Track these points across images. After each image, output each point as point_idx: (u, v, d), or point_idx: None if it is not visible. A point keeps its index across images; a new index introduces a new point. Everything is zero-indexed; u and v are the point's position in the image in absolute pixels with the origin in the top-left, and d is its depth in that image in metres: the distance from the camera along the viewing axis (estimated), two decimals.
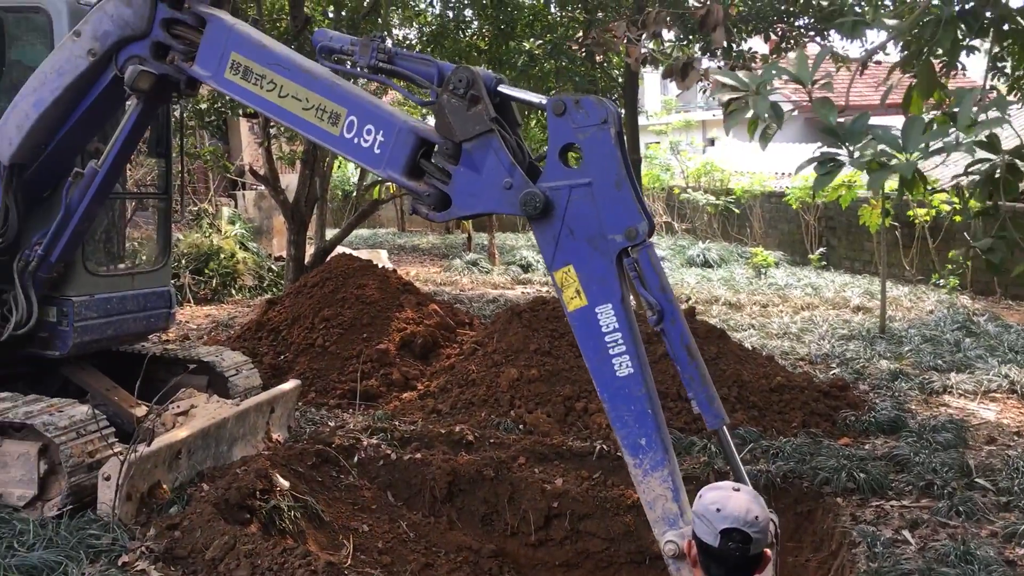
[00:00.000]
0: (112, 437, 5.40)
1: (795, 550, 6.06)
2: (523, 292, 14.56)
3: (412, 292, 9.55)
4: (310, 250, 12.94)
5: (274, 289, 14.11)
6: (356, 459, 6.40)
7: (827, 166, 3.72)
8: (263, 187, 14.07)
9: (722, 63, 10.68)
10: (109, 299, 6.36)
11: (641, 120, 16.71)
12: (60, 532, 4.62)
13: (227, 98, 12.08)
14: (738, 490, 2.78)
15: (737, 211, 20.46)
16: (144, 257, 7.39)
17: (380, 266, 10.13)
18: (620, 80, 13.06)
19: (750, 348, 9.10)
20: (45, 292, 5.98)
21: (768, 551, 2.76)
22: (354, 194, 17.70)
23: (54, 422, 5.10)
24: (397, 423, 7.33)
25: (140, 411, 6.18)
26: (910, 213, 14.36)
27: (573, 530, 6.25)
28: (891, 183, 4.65)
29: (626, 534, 6.25)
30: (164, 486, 5.26)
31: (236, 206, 17.05)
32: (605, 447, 6.77)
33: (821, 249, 17.48)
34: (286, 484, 5.38)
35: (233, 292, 13.72)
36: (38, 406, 5.27)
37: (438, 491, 6.30)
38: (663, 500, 3.71)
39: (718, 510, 2.70)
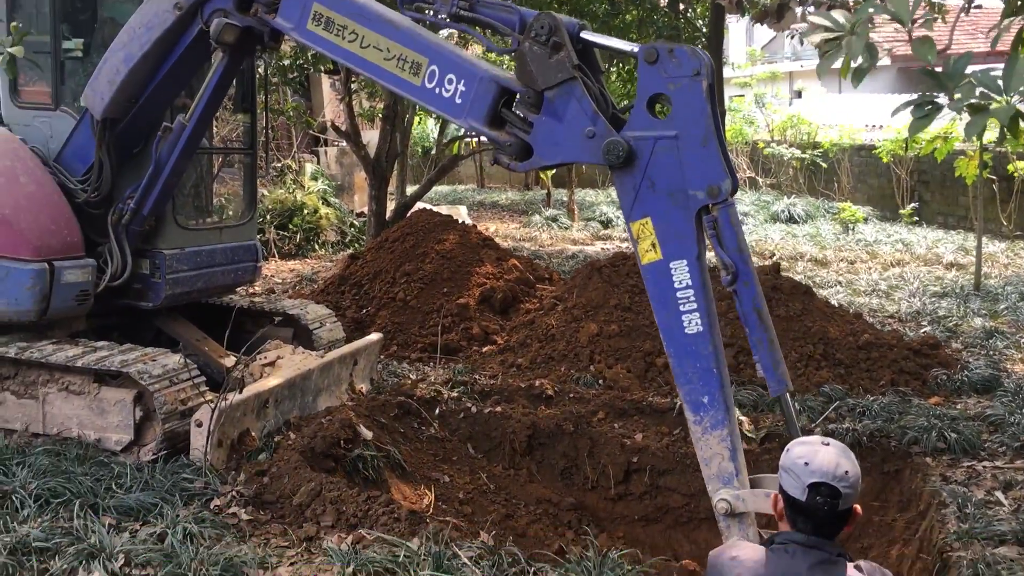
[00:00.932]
0: (203, 385, 5.56)
1: (881, 510, 5.93)
2: (603, 248, 14.45)
3: (492, 247, 9.55)
4: (391, 206, 13.04)
5: (356, 244, 14.29)
6: (437, 411, 6.47)
7: (924, 109, 3.56)
8: (345, 143, 14.21)
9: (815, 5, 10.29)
10: (199, 252, 6.52)
11: (725, 72, 16.30)
12: (155, 476, 4.79)
13: (309, 54, 12.23)
14: (827, 444, 2.71)
15: (824, 165, 19.88)
16: (231, 212, 7.53)
17: (460, 221, 10.14)
18: (704, 30, 12.74)
19: (836, 305, 8.87)
20: (138, 245, 6.15)
21: (858, 507, 2.69)
22: (433, 150, 17.77)
23: (148, 370, 5.27)
24: (477, 377, 7.39)
25: (229, 361, 6.35)
26: (1010, 167, 13.76)
27: (652, 485, 6.23)
28: (991, 132, 4.43)
29: (706, 490, 6.20)
30: (253, 434, 5.40)
31: (318, 162, 17.26)
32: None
33: (913, 204, 16.90)
34: (370, 434, 5.47)
35: (316, 247, 13.94)
36: (133, 355, 5.45)
37: (518, 444, 6.34)
38: (720, 458, 3.73)
39: (806, 464, 2.63)
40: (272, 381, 5.67)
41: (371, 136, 14.79)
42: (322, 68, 13.95)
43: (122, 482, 4.73)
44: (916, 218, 16.59)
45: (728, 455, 3.74)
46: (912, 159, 17.06)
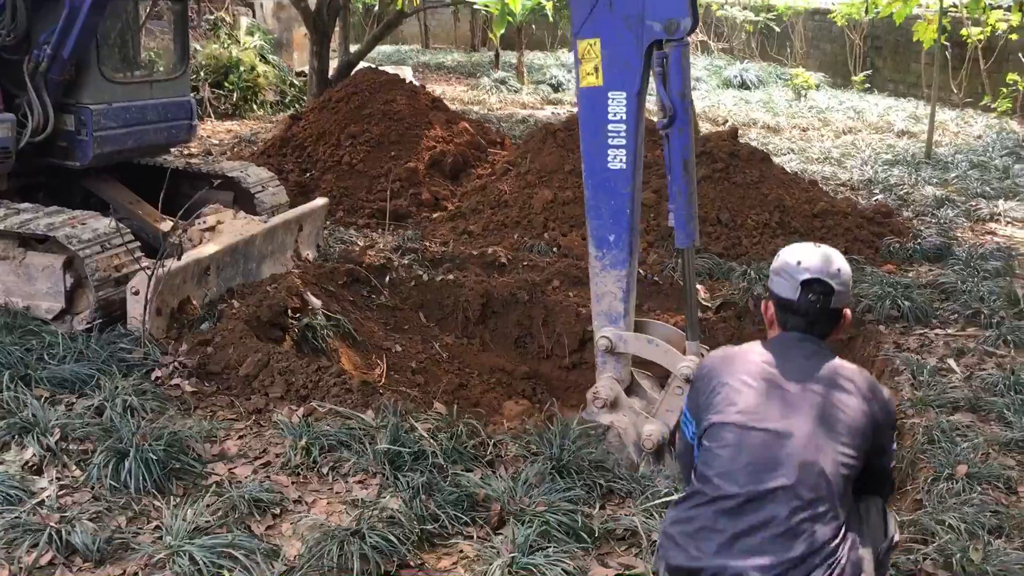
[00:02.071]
0: (138, 251, 5.24)
1: None
2: (553, 113, 14.07)
3: (441, 109, 9.16)
4: (333, 64, 12.42)
5: (296, 105, 13.67)
6: (388, 279, 6.26)
7: None
8: None
9: None
10: (128, 108, 6.09)
11: None
12: (90, 346, 4.53)
13: None
14: (819, 246, 2.70)
15: (777, 29, 19.47)
16: (161, 66, 7.01)
17: (407, 81, 9.67)
18: None
19: (792, 173, 8.73)
20: (61, 99, 5.70)
21: (848, 311, 2.67)
22: (376, 6, 16.86)
23: (77, 235, 4.93)
24: (427, 244, 7.16)
25: (165, 225, 6.01)
26: (964, 32, 13.55)
27: None
28: None
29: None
30: (194, 302, 5.14)
31: (254, 16, 16.32)
32: (641, 272, 6.58)
33: (866, 71, 16.68)
34: (318, 303, 5.25)
35: (254, 107, 13.31)
36: (60, 218, 5.09)
37: (471, 313, 6.18)
38: (612, 297, 3.79)
39: (798, 263, 2.60)
40: (213, 247, 5.38)
41: None
42: None
43: (55, 352, 4.46)
44: (868, 85, 16.41)
45: (620, 296, 3.79)
46: (867, 24, 16.74)
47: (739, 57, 20.15)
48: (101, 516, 3.19)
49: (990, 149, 11.08)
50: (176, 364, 4.38)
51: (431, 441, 3.71)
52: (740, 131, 12.26)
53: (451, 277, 6.41)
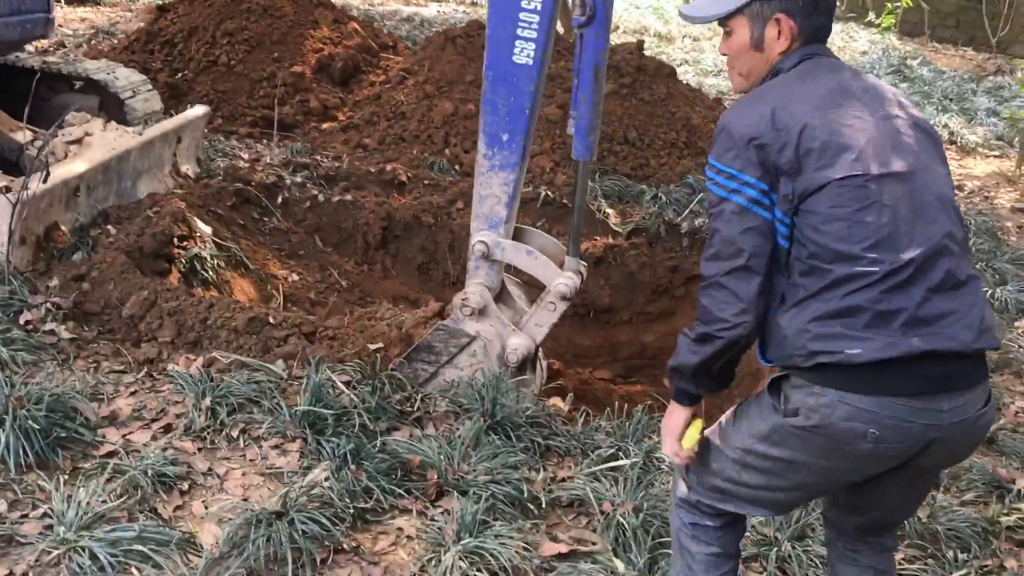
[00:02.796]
0: None
1: None
2: (439, 11, 13.35)
3: (328, 7, 8.43)
4: None
5: None
6: (280, 200, 5.74)
7: None
8: None
9: None
10: None
11: None
12: None
13: None
14: None
15: None
16: None
17: None
18: None
19: (695, 88, 8.53)
20: None
21: None
22: None
23: None
24: (319, 158, 6.62)
25: (23, 136, 5.28)
26: None
27: None
28: None
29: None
30: (63, 228, 4.54)
31: None
32: (550, 193, 6.29)
33: None
34: (208, 229, 4.73)
35: None
36: None
37: (372, 237, 5.76)
38: (495, 201, 3.59)
39: None
40: (82, 164, 4.73)
41: None
42: None
43: None
44: None
45: (505, 200, 3.60)
46: None
47: None
48: None
49: (876, 67, 11.18)
50: (48, 305, 3.84)
51: (352, 397, 3.37)
52: (631, 39, 12.02)
53: (348, 197, 5.95)
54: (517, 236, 3.84)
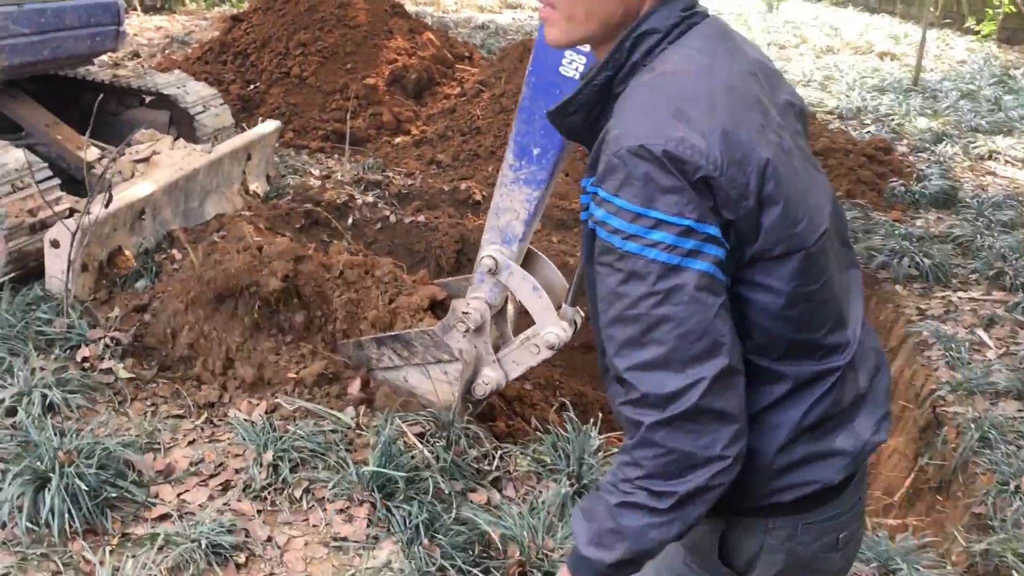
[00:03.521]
0: (57, 190, 4.39)
1: None
2: (514, 18, 13.08)
3: (403, 16, 8.19)
4: None
5: None
6: (351, 220, 5.48)
7: None
8: None
9: None
10: (43, 11, 5.10)
11: None
12: (1, 313, 3.72)
13: None
14: None
15: None
16: None
17: None
18: None
19: None
20: None
21: None
22: None
23: None
24: (391, 175, 6.36)
25: (90, 154, 5.11)
26: None
27: None
28: None
29: None
30: (127, 252, 4.34)
31: None
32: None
33: None
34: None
35: (186, 0, 12.04)
36: None
37: (445, 260, 5.47)
38: (513, 216, 3.33)
39: None
40: (149, 185, 4.53)
41: None
42: None
43: None
44: None
45: (524, 218, 3.31)
46: None
47: None
48: (12, 575, 2.49)
49: (977, 77, 10.55)
50: (107, 340, 3.61)
51: (426, 454, 3.06)
52: None
53: (421, 218, 5.67)
54: (527, 260, 3.56)
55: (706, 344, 1.27)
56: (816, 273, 1.39)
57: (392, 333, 3.54)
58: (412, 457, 3.02)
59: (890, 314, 5.25)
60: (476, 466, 3.15)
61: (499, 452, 3.22)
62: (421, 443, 3.11)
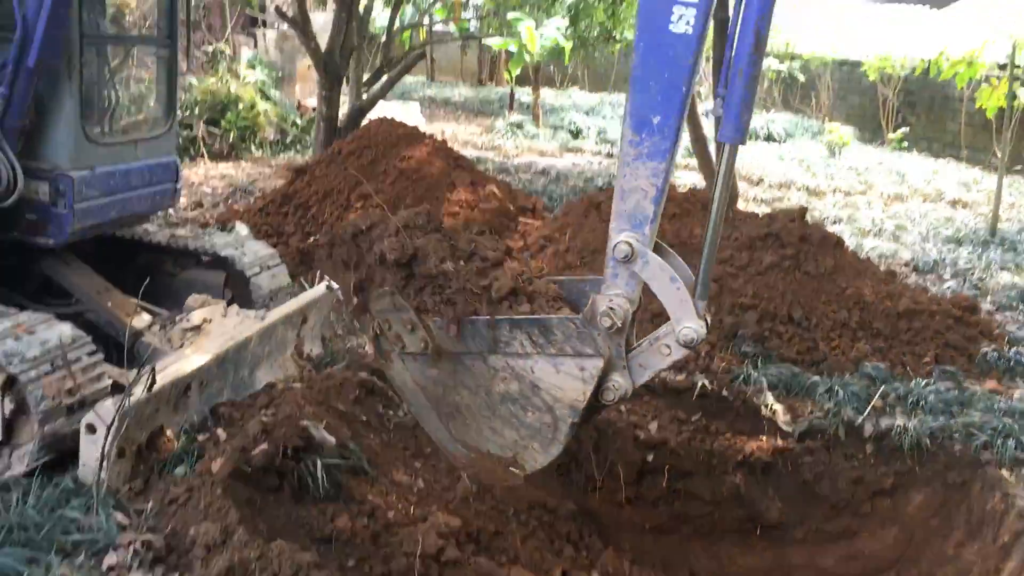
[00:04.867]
0: (100, 365, 4.16)
1: (942, 530, 4.93)
2: (574, 164, 13.06)
3: (465, 168, 8.12)
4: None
5: (298, 146, 12.64)
6: None
7: None
8: (287, 26, 12.35)
9: None
10: (112, 173, 5.07)
11: None
12: (27, 508, 3.43)
13: None
14: None
15: (802, 78, 18.58)
16: (144, 119, 5.94)
17: (427, 134, 8.61)
18: None
19: (864, 258, 7.72)
20: (36, 165, 4.66)
21: None
22: (383, 37, 15.68)
23: (20, 351, 3.84)
24: None
25: (140, 321, 4.93)
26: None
27: (670, 489, 5.13)
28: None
29: (735, 497, 5.13)
30: (169, 433, 4.06)
31: (255, 46, 15.32)
32: (707, 383, 5.55)
33: (903, 128, 15.77)
34: (332, 440, 4.15)
35: (252, 148, 12.24)
36: (1, 325, 4.00)
37: None
38: (641, 196, 3.13)
39: None
40: (197, 358, 4.31)
41: (319, 19, 13.02)
42: None
43: None
44: (905, 143, 15.51)
45: (653, 196, 3.11)
46: (900, 79, 15.89)
47: (763, 106, 19.26)
48: None
49: None
50: (137, 547, 3.28)
51: None
52: (781, 193, 11.37)
53: None
54: (656, 249, 3.28)
55: None
56: None
57: (532, 316, 3.22)
58: None
59: (997, 504, 4.73)
60: None
61: None
62: None
